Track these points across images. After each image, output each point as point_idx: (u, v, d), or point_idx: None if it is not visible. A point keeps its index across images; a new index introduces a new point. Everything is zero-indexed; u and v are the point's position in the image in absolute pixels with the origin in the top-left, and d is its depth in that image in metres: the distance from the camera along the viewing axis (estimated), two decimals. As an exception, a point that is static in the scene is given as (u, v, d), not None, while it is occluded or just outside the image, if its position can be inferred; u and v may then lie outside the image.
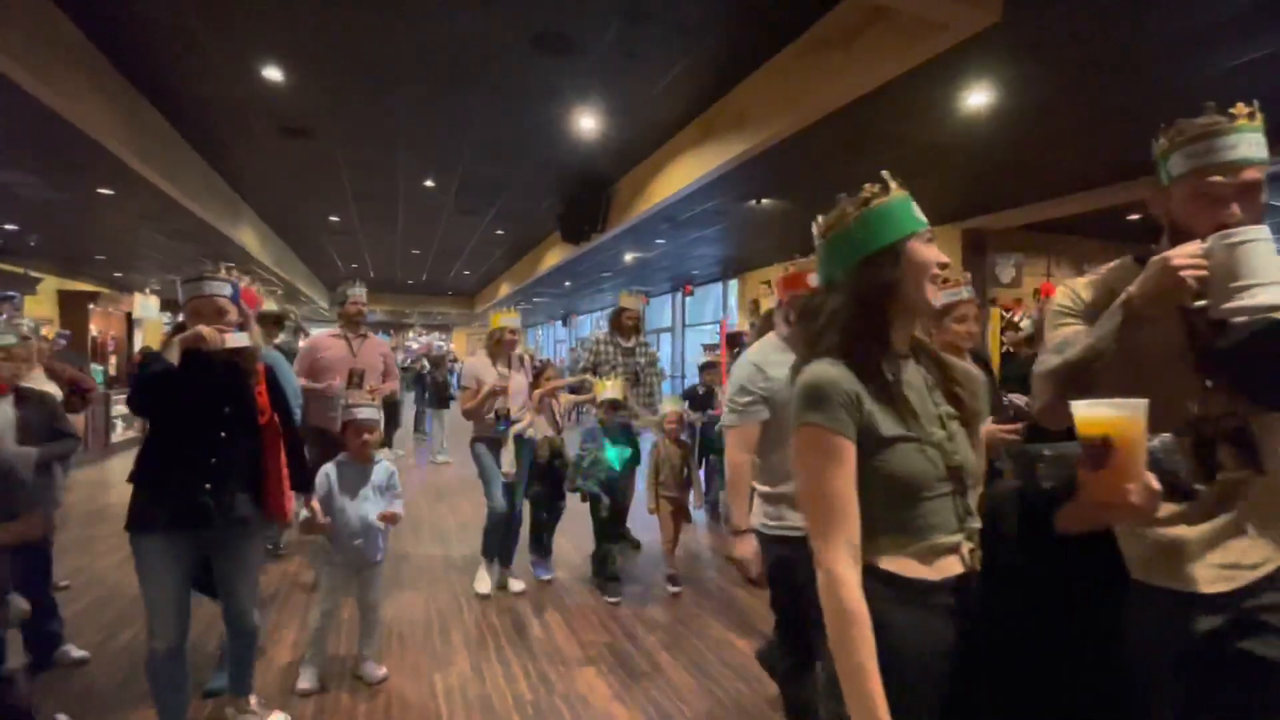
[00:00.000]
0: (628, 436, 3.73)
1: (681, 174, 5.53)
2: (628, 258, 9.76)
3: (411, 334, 24.45)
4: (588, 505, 3.66)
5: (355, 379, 3.73)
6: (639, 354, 4.15)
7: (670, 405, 3.77)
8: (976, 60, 3.33)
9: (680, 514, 3.71)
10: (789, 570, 1.84)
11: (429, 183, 7.01)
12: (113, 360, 12.00)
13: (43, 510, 2.60)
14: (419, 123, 5.22)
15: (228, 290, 2.02)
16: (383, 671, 2.65)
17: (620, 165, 6.39)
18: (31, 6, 3.45)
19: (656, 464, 3.66)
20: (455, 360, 16.36)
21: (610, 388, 3.63)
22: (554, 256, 9.99)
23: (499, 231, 9.87)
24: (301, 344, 5.03)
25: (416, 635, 3.08)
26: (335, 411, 3.72)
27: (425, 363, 10.70)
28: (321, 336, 3.91)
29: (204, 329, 1.90)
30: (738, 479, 1.93)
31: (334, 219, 8.98)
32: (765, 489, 1.94)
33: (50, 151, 4.77)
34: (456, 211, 8.34)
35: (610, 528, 3.69)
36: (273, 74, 4.30)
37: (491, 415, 3.50)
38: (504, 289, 14.58)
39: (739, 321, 11.03)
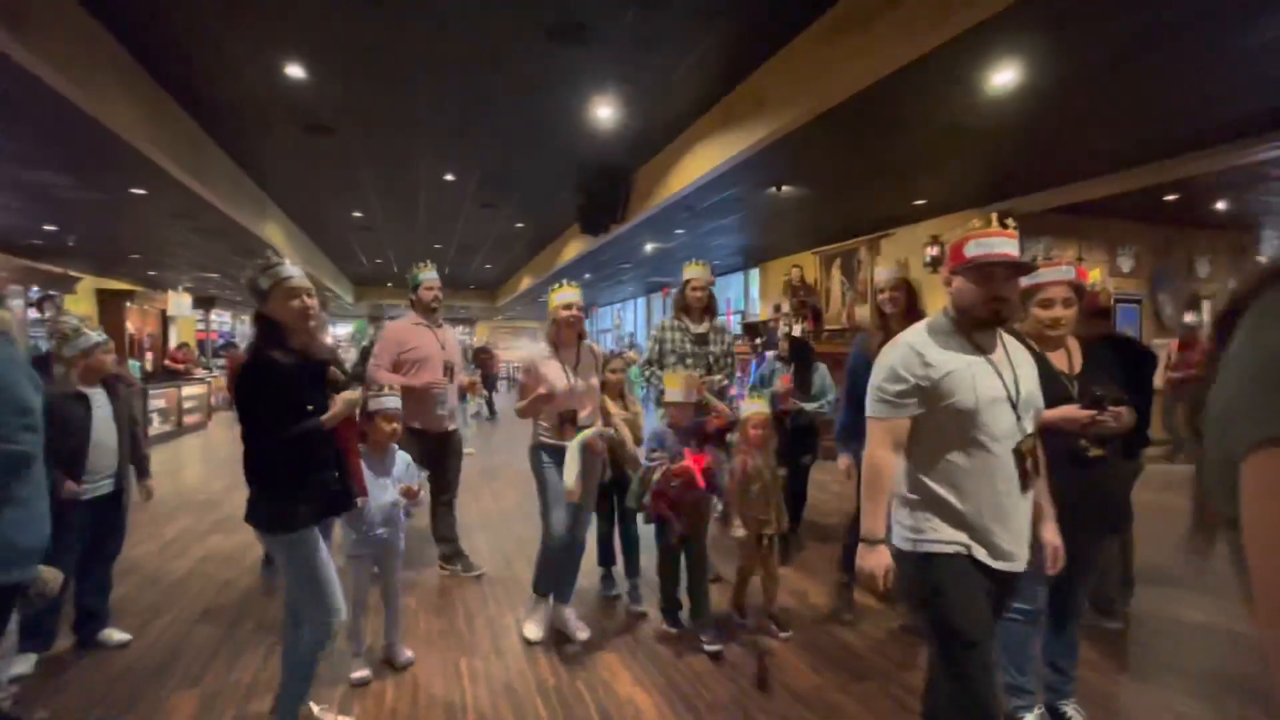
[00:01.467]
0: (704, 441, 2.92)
1: (700, 162, 5.49)
2: (648, 248, 9.75)
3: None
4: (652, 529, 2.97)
5: (449, 372, 3.48)
6: (713, 341, 3.50)
7: (753, 406, 2.97)
8: (1000, 38, 3.24)
9: (767, 546, 2.93)
10: (940, 595, 1.59)
11: (449, 176, 7.07)
12: (149, 356, 12.36)
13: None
14: (438, 116, 5.27)
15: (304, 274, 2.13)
16: (410, 654, 2.72)
17: (638, 154, 6.37)
18: (64, 13, 3.55)
19: (744, 480, 2.88)
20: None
21: (679, 383, 2.91)
22: (574, 248, 10.01)
23: (518, 224, 9.93)
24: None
25: (441, 621, 3.14)
26: (444, 409, 3.54)
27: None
28: (404, 327, 3.52)
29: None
30: (878, 479, 1.67)
31: (357, 214, 9.12)
32: (906, 494, 1.69)
33: (84, 153, 4.92)
34: (476, 205, 8.41)
35: (686, 558, 2.93)
36: (295, 72, 4.37)
37: (546, 423, 2.91)
38: (525, 282, 14.66)
39: (760, 311, 10.95)
